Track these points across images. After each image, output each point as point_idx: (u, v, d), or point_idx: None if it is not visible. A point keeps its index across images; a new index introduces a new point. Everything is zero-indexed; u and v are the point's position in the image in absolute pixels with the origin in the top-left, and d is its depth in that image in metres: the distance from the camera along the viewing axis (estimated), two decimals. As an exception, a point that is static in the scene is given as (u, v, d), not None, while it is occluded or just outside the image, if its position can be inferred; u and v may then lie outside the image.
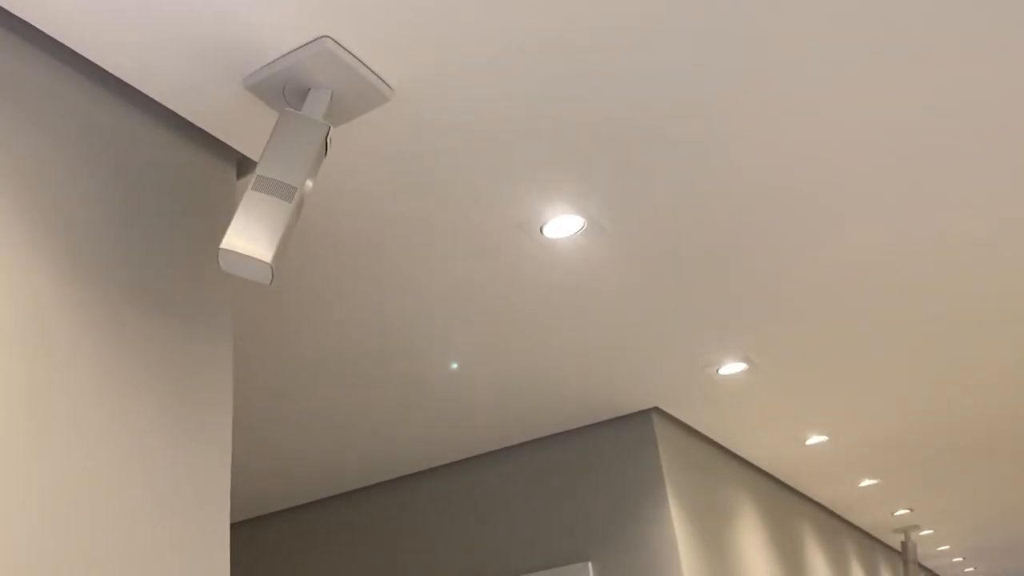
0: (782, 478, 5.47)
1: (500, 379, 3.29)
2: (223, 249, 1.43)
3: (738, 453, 4.78)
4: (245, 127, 1.78)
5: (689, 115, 1.92)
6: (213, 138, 1.83)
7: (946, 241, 2.68)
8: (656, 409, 3.87)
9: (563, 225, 2.27)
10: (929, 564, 11.43)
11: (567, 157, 2.01)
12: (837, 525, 6.95)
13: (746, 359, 3.43)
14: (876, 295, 3.00)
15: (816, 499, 6.26)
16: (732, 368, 3.51)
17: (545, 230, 2.28)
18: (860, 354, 3.55)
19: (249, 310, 2.55)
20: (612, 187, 2.15)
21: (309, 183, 1.55)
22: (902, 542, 7.97)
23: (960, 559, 11.23)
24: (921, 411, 4.46)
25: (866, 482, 5.87)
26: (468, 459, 4.19)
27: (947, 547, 9.82)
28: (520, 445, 4.08)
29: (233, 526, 4.85)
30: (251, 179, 1.51)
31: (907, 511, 7.22)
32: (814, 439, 4.66)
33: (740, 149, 2.07)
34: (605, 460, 3.85)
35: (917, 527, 7.98)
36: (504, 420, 3.74)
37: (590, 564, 3.69)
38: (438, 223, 2.20)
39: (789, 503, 5.62)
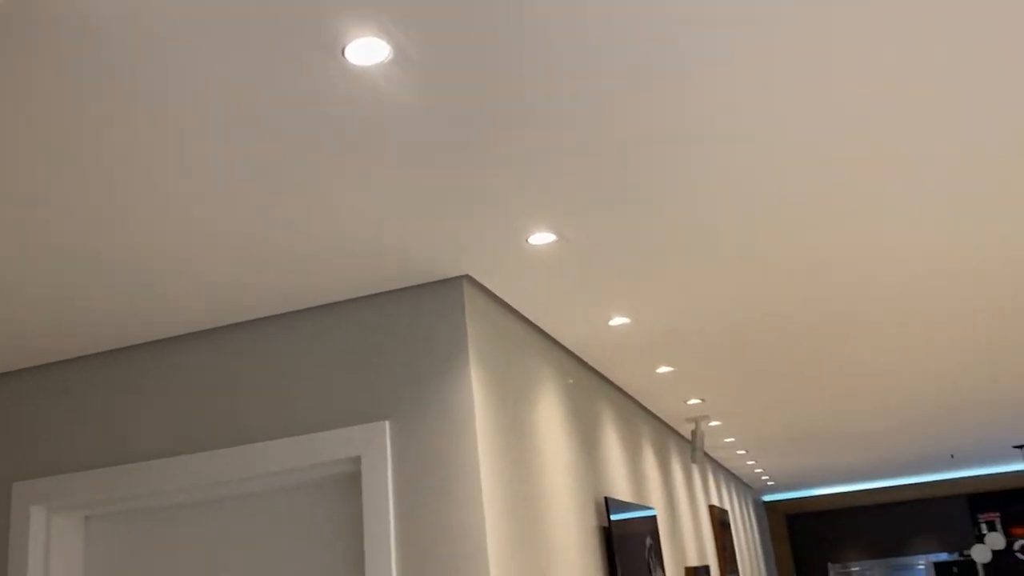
0: (585, 358, 5.68)
1: (296, 231, 3.15)
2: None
3: (545, 329, 4.90)
4: None
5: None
6: None
7: (781, 128, 2.73)
8: (468, 277, 3.87)
9: (367, 49, 2.13)
10: (716, 455, 12.44)
11: (372, -32, 1.86)
12: (634, 409, 7.36)
13: (556, 231, 3.46)
14: (692, 181, 3.05)
15: (616, 382, 6.57)
16: (542, 239, 3.53)
17: (347, 52, 2.14)
18: (670, 240, 3.65)
19: None
20: (420, 10, 2.03)
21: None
22: (692, 431, 8.60)
23: (743, 452, 12.27)
24: (721, 306, 4.71)
25: (663, 369, 6.21)
26: (264, 318, 4.06)
27: (732, 439, 10.69)
28: (322, 307, 3.99)
29: None
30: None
31: (699, 401, 7.74)
32: (617, 320, 4.84)
33: (555, -15, 1.99)
34: (411, 325, 3.84)
35: (707, 418, 8.61)
36: (302, 280, 3.62)
37: (387, 423, 3.70)
38: (217, 24, 2.01)
39: (590, 383, 5.87)
